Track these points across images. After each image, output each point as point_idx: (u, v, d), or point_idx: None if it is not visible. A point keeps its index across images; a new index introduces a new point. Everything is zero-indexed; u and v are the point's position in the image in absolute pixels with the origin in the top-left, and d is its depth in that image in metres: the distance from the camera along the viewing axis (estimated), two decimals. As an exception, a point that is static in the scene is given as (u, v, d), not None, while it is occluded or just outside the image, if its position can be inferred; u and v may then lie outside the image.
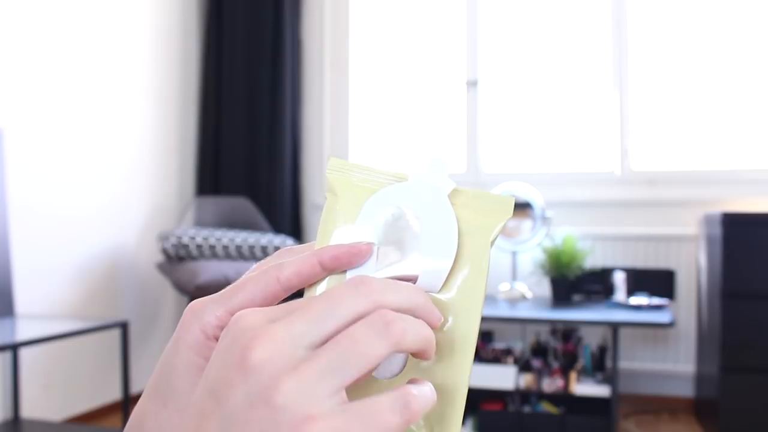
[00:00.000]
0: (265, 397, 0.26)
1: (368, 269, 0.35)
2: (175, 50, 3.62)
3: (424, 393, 0.29)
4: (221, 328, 0.35)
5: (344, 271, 0.35)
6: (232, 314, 0.35)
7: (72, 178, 2.95)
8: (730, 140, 3.27)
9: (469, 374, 0.34)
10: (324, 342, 0.28)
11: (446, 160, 0.36)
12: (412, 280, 0.35)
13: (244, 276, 0.36)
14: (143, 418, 0.35)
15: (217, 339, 0.35)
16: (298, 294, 0.38)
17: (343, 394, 0.27)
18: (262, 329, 0.28)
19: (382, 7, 3.78)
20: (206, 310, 0.35)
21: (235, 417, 0.26)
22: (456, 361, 0.33)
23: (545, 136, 3.51)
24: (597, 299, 3.13)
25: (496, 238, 0.36)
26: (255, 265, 0.38)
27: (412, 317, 0.30)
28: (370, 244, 0.35)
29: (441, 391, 0.33)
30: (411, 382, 0.30)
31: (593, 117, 3.46)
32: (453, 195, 0.36)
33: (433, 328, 0.32)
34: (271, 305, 0.36)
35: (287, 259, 0.36)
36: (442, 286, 0.35)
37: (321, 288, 0.35)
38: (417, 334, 0.30)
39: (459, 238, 0.35)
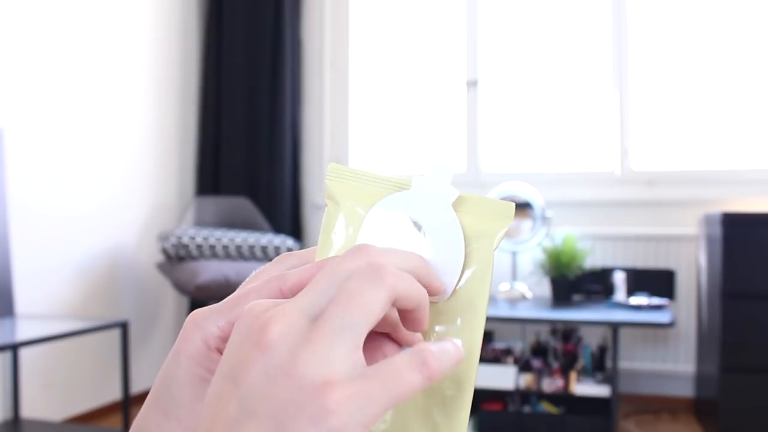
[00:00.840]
0: (284, 369, 0.26)
1: None
2: (175, 50, 3.62)
3: (444, 349, 0.29)
4: (223, 339, 0.35)
5: None
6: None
7: (72, 178, 2.95)
8: (730, 140, 3.27)
9: (475, 378, 0.34)
10: None
11: (448, 167, 0.36)
12: None
13: (244, 284, 0.36)
14: (144, 428, 0.35)
15: (219, 350, 0.35)
16: None
17: (359, 353, 0.28)
18: (274, 310, 0.28)
19: (382, 7, 3.78)
20: (208, 320, 0.35)
21: (255, 394, 0.27)
22: (461, 365, 0.33)
23: (545, 136, 3.51)
24: (597, 299, 3.13)
25: (499, 243, 0.36)
26: (254, 272, 0.37)
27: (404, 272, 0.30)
28: None
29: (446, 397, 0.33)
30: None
31: (593, 117, 3.46)
32: (455, 202, 0.36)
33: (434, 294, 0.32)
34: None
35: (289, 263, 0.36)
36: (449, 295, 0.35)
37: None
38: (410, 283, 0.30)
39: (465, 246, 0.35)
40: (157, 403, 0.35)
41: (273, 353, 0.27)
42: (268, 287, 0.34)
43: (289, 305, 0.28)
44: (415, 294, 0.30)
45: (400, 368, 0.27)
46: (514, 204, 0.37)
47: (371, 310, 0.28)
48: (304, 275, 0.34)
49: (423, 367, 0.28)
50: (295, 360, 0.26)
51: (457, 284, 0.35)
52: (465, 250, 0.35)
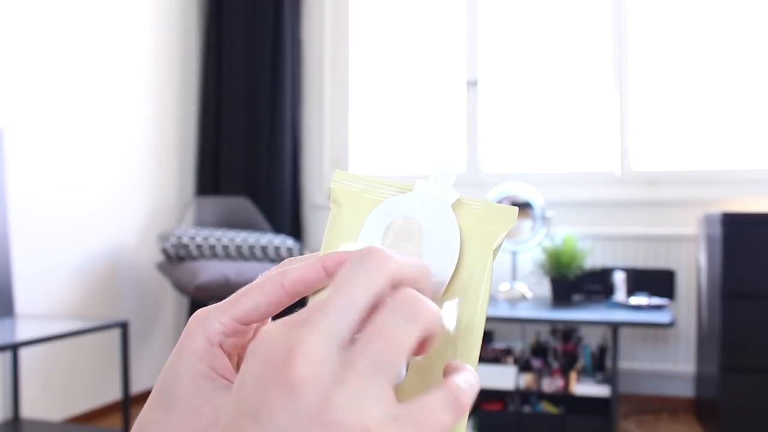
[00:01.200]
0: (316, 414, 0.25)
1: None
2: (175, 50, 3.62)
3: (469, 382, 0.29)
4: (226, 334, 0.35)
5: None
6: (237, 320, 0.35)
7: (72, 178, 2.95)
8: (730, 140, 3.27)
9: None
10: (355, 334, 0.27)
11: (451, 171, 0.37)
12: None
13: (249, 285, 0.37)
14: (145, 426, 0.35)
15: (221, 346, 0.35)
16: (303, 302, 0.38)
17: (392, 392, 0.27)
18: (293, 340, 0.26)
19: (382, 7, 3.78)
20: (211, 317, 0.35)
21: None
22: None
23: (545, 136, 3.51)
24: (597, 299, 3.13)
25: (499, 246, 0.37)
26: (260, 276, 0.38)
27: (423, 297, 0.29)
28: None
29: None
30: (450, 368, 0.30)
31: (593, 117, 3.46)
32: (457, 205, 0.37)
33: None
34: (275, 311, 0.36)
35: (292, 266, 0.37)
36: (445, 295, 0.35)
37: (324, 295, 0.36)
38: (437, 313, 0.29)
39: (462, 247, 0.36)
40: (159, 401, 0.35)
41: (302, 395, 0.25)
42: (270, 283, 0.35)
43: (311, 334, 0.27)
44: (439, 323, 0.29)
45: (434, 409, 0.27)
46: (516, 208, 0.38)
47: (406, 351, 0.27)
48: (306, 271, 0.34)
49: (456, 406, 0.27)
50: (327, 404, 0.25)
51: (452, 284, 0.35)
52: (462, 251, 0.36)
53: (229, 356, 0.36)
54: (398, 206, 0.37)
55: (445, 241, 0.36)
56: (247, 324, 0.36)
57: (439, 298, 0.35)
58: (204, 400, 0.34)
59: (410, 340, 0.27)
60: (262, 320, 0.36)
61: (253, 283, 0.36)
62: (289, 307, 0.37)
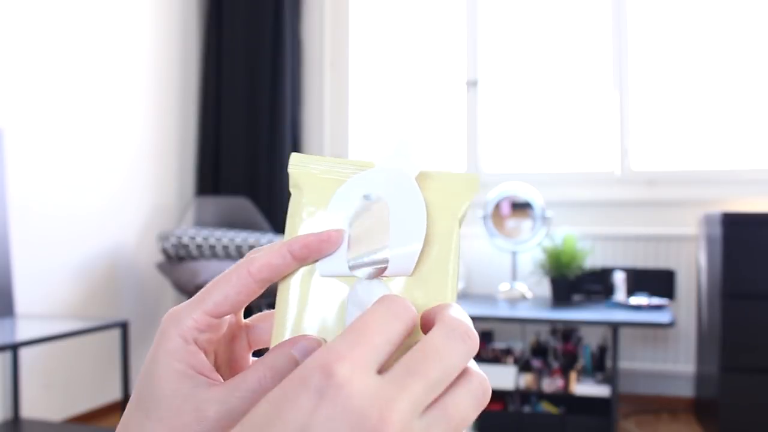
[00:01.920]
0: None
1: (339, 257, 0.35)
2: (175, 50, 3.62)
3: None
4: (200, 330, 0.35)
5: (315, 261, 0.36)
6: (209, 315, 0.35)
7: (72, 178, 2.95)
8: (730, 140, 3.27)
9: None
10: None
11: (411, 142, 0.37)
12: (384, 265, 0.35)
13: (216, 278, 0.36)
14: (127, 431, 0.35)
15: (196, 342, 0.35)
16: (272, 289, 0.37)
17: None
18: (384, 405, 0.27)
19: (382, 7, 3.78)
20: (182, 315, 0.35)
21: None
22: None
23: (545, 135, 3.51)
24: (597, 299, 3.13)
25: (464, 216, 0.36)
26: (227, 269, 0.38)
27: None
28: (339, 231, 0.35)
29: None
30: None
31: (593, 117, 3.46)
32: (420, 177, 0.36)
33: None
34: (245, 301, 0.35)
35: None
36: (415, 269, 0.35)
37: (295, 281, 0.35)
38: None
39: (428, 220, 0.35)
40: (139, 405, 0.35)
41: None
42: (237, 273, 0.35)
43: (403, 401, 0.28)
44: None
45: (466, 409, 0.30)
46: (478, 176, 0.37)
47: (467, 425, 0.30)
48: (272, 257, 0.35)
49: (485, 400, 0.30)
50: None
51: (419, 258, 0.35)
52: (427, 225, 0.35)
53: (205, 352, 0.36)
54: (361, 184, 0.36)
55: (411, 217, 0.35)
56: (218, 317, 0.35)
57: (409, 275, 0.35)
58: (184, 399, 0.34)
59: (471, 420, 0.30)
60: (233, 311, 0.36)
61: (221, 275, 0.36)
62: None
